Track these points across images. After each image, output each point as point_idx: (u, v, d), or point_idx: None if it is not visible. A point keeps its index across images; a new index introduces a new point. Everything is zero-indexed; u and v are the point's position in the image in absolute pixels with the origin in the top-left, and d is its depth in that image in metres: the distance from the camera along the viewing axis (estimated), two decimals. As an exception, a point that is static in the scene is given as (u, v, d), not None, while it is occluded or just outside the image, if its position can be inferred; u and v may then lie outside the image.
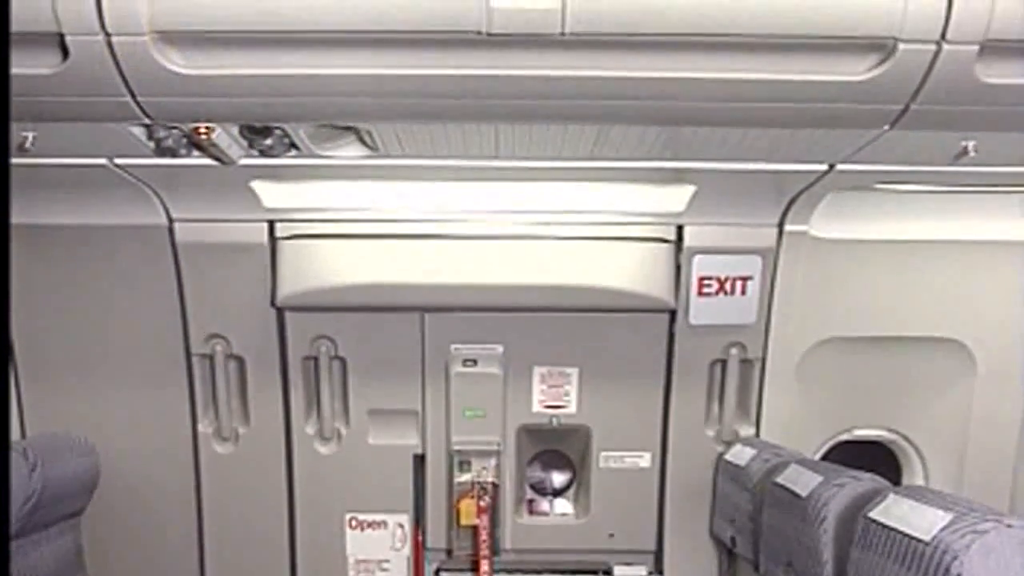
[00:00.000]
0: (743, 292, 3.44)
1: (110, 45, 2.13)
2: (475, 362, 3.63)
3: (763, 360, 3.61)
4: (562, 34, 2.08)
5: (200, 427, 3.66)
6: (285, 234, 3.34)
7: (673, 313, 3.51)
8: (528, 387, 3.69)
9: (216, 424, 3.66)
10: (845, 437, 3.81)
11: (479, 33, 2.08)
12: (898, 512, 2.29)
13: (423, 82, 2.22)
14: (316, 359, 3.60)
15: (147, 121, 2.46)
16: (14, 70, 2.18)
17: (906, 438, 3.79)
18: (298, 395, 3.65)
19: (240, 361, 3.59)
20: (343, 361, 3.63)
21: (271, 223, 3.32)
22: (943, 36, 2.12)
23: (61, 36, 2.12)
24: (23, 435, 3.62)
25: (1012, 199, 3.34)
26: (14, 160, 2.62)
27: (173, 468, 3.70)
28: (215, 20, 2.08)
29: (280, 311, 3.49)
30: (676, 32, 2.10)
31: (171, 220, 3.30)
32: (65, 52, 2.15)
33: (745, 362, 3.61)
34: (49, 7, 2.07)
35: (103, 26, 2.09)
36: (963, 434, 3.73)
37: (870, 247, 3.45)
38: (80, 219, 3.29)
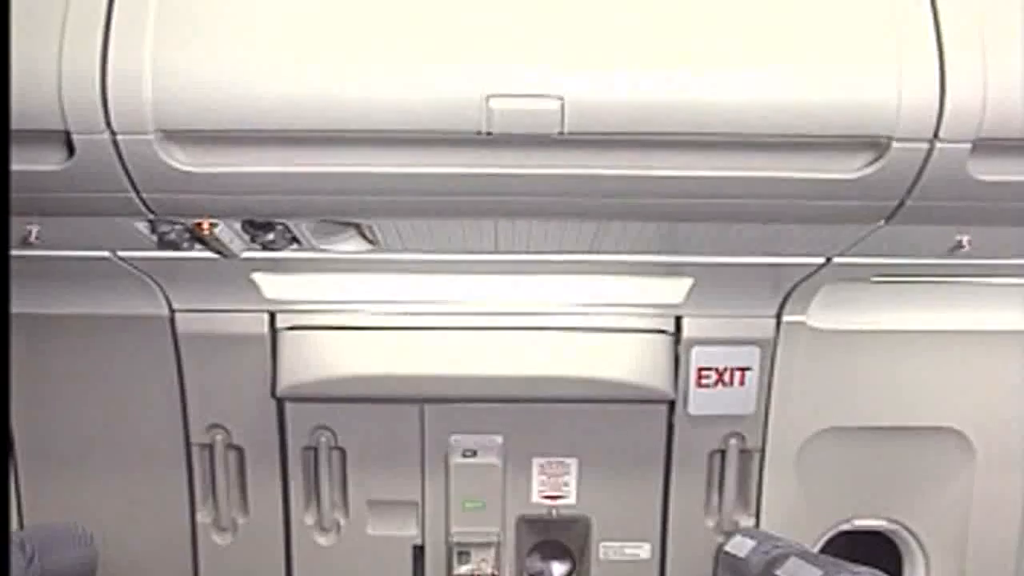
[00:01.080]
0: (742, 383, 3.44)
1: (115, 143, 2.16)
2: (475, 453, 3.62)
3: (762, 450, 3.60)
4: (560, 133, 2.11)
5: (199, 517, 3.64)
6: (286, 325, 3.35)
7: (672, 404, 3.50)
8: (527, 478, 3.67)
9: (215, 514, 3.64)
10: (846, 527, 3.79)
11: (479, 133, 2.11)
12: None
13: (424, 180, 2.25)
14: (316, 449, 3.59)
15: (151, 216, 2.49)
16: (21, 166, 2.21)
17: (907, 528, 3.77)
18: (297, 485, 3.63)
19: (240, 451, 3.58)
20: (343, 451, 3.62)
21: (272, 314, 3.33)
22: (936, 135, 2.16)
23: (68, 134, 2.15)
24: (21, 525, 3.60)
25: (1009, 289, 3.35)
26: (19, 252, 2.64)
27: (171, 558, 3.68)
28: (217, 120, 2.12)
29: (280, 401, 3.49)
30: (673, 131, 2.13)
31: (172, 310, 3.31)
32: (71, 149, 2.19)
33: (744, 452, 3.60)
34: (56, 106, 2.10)
35: (109, 125, 2.13)
36: (964, 524, 3.71)
37: (868, 337, 3.46)
38: (82, 309, 3.30)
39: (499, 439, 3.62)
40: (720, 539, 3.67)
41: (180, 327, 3.35)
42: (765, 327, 3.39)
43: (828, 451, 3.62)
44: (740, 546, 3.49)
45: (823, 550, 3.71)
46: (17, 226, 2.59)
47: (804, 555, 3.01)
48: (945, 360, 3.51)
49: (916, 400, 3.57)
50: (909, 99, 2.12)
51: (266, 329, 3.35)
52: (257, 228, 2.71)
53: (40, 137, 2.17)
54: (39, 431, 3.55)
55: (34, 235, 2.63)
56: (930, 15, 2.14)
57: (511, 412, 3.58)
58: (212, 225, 2.58)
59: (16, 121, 2.11)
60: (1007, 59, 2.14)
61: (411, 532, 3.72)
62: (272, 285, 3.19)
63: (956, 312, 3.41)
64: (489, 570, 3.69)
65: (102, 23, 2.10)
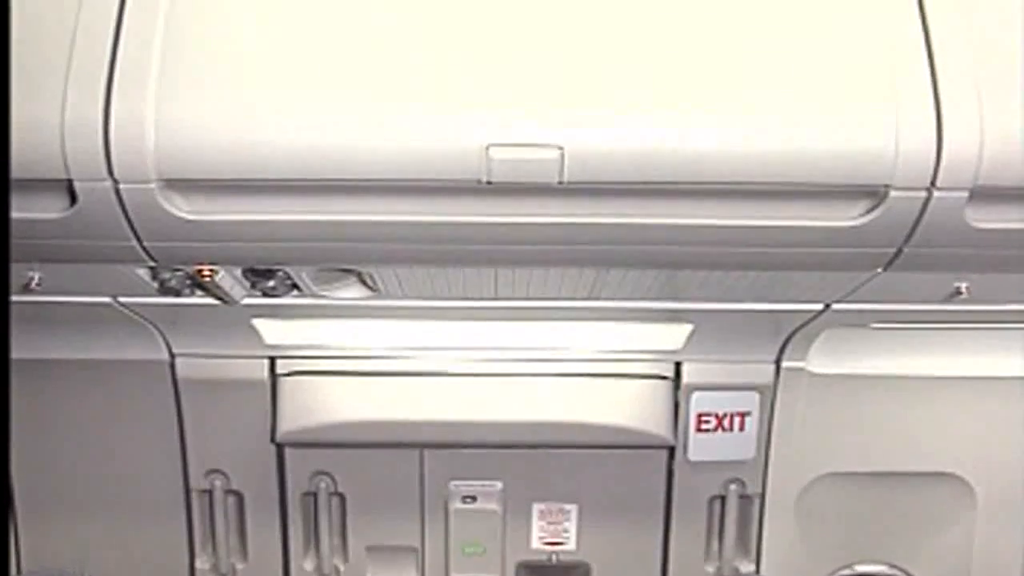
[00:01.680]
0: (742, 428, 3.44)
1: (117, 192, 2.16)
2: (474, 499, 3.61)
3: (762, 496, 3.59)
4: (560, 183, 2.12)
5: (197, 563, 3.63)
6: (285, 370, 3.35)
7: (672, 449, 3.49)
8: (527, 523, 3.66)
9: (214, 560, 3.63)
10: (847, 573, 3.78)
11: (479, 182, 2.12)
12: None
13: (424, 228, 2.26)
14: (315, 495, 3.58)
15: (152, 264, 2.50)
16: (24, 214, 2.22)
17: (908, 574, 3.75)
18: (297, 531, 3.62)
19: (239, 496, 3.57)
20: (342, 497, 3.61)
21: (272, 359, 3.33)
22: (933, 183, 2.17)
23: (70, 182, 2.16)
24: (19, 570, 3.59)
25: (1009, 334, 3.35)
26: (19, 298, 2.65)
27: None
28: (219, 169, 2.13)
29: (280, 447, 3.48)
30: (673, 180, 2.14)
31: (172, 355, 3.32)
32: (73, 198, 2.19)
33: (744, 498, 3.59)
34: (59, 154, 2.11)
35: (111, 173, 2.13)
36: (966, 569, 3.69)
37: (868, 382, 3.45)
38: (81, 354, 3.31)
39: (499, 485, 3.62)
40: (720, 584, 3.67)
41: (180, 372, 3.35)
42: (765, 372, 3.39)
43: (828, 496, 3.61)
44: (741, 592, 3.49)
45: (824, 596, 3.71)
46: (18, 272, 2.59)
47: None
48: (946, 405, 3.50)
49: (917, 445, 3.56)
50: (906, 148, 2.13)
51: (266, 374, 3.35)
52: (258, 275, 2.72)
53: (43, 186, 2.18)
54: (38, 475, 3.54)
55: (35, 281, 2.64)
56: (926, 64, 2.16)
57: (511, 458, 3.57)
58: (213, 272, 2.59)
59: (19, 170, 2.11)
60: (1003, 108, 2.15)
61: None
62: (272, 331, 3.20)
63: (956, 357, 3.41)
64: (489, 616, 3.69)
65: (105, 73, 2.11)
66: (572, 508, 3.65)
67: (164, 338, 3.25)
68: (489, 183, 2.12)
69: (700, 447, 3.46)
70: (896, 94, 2.14)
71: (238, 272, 2.69)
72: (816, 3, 2.23)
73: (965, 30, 2.20)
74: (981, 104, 2.14)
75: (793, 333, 3.22)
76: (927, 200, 2.20)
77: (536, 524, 3.66)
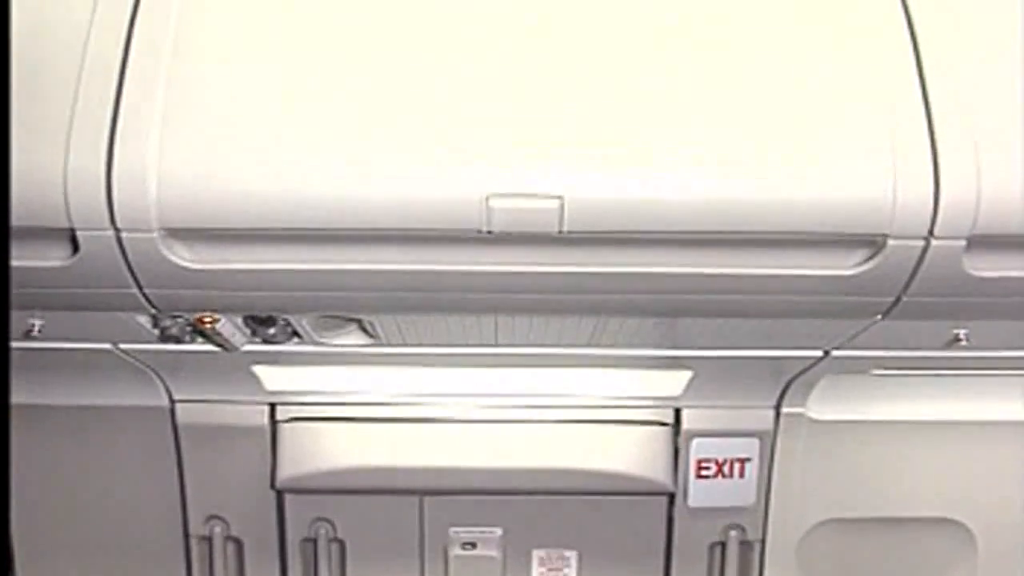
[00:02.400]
0: (742, 474, 3.44)
1: (119, 241, 2.17)
2: (474, 545, 3.60)
3: (763, 542, 3.58)
4: (560, 232, 2.13)
5: None
6: (286, 417, 3.35)
7: (671, 496, 3.49)
8: (527, 570, 3.65)
9: (213, 606, 3.62)
10: (848, 618, 3.77)
11: (479, 232, 2.13)
12: None
13: (425, 277, 2.26)
14: (315, 541, 3.57)
15: (153, 311, 2.50)
16: (26, 262, 2.23)
17: (910, 619, 3.75)
18: None
19: (238, 543, 3.56)
20: (342, 543, 3.60)
21: (272, 406, 3.33)
22: (931, 232, 2.17)
23: (72, 231, 2.17)
24: (17, 616, 3.58)
25: (1010, 380, 3.35)
26: (20, 344, 2.65)
27: None
28: (220, 218, 2.14)
29: (279, 493, 3.47)
30: (671, 230, 2.16)
31: (173, 401, 3.32)
32: (75, 246, 2.20)
33: (744, 544, 3.58)
34: (62, 203, 2.12)
35: (113, 222, 2.14)
36: (968, 615, 3.69)
37: (868, 428, 3.45)
38: (80, 400, 3.31)
39: (498, 531, 3.61)
40: (720, 633, 3.65)
41: (180, 418, 3.35)
42: (764, 418, 3.39)
43: (829, 543, 3.60)
44: (741, 640, 3.48)
45: (825, 644, 3.69)
46: (19, 319, 2.60)
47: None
48: (946, 451, 3.50)
49: (918, 491, 3.56)
50: (904, 197, 2.14)
51: (266, 421, 3.35)
52: (259, 323, 2.73)
53: (45, 234, 2.19)
54: (38, 521, 3.53)
55: (36, 328, 2.64)
56: (923, 113, 2.17)
57: (510, 504, 3.56)
58: (214, 320, 2.60)
59: (22, 218, 2.12)
60: (1000, 156, 2.16)
61: None
62: (273, 377, 3.20)
63: (957, 403, 3.41)
64: (488, 663, 3.67)
65: (108, 122, 2.13)
66: (572, 555, 3.64)
67: (164, 384, 3.25)
68: (489, 233, 2.13)
69: (700, 493, 3.46)
70: (893, 144, 2.15)
71: (239, 320, 2.70)
72: (812, 53, 2.24)
73: (961, 79, 2.21)
74: (978, 153, 2.15)
75: (793, 379, 3.22)
76: (925, 249, 2.21)
77: (536, 570, 3.65)
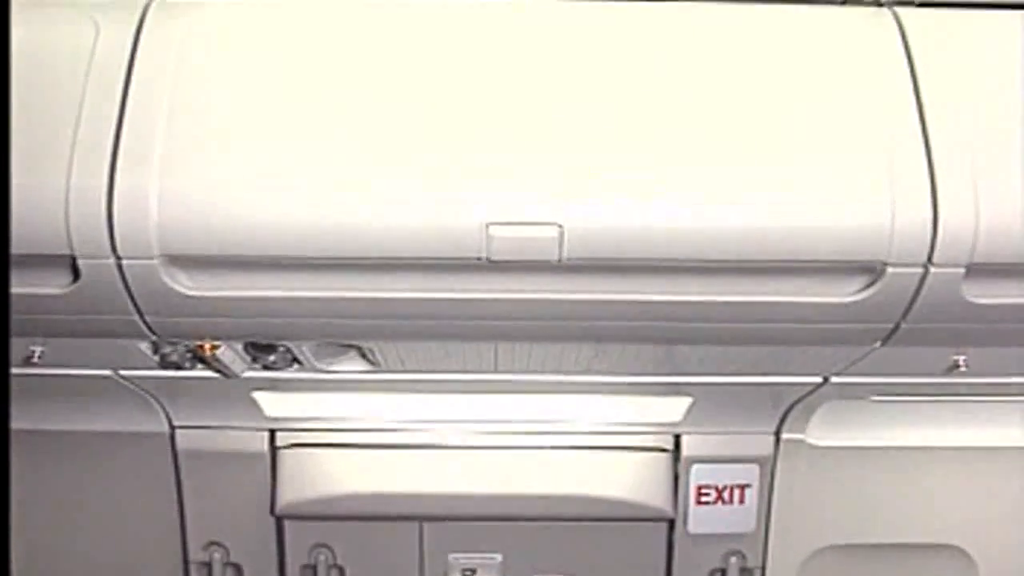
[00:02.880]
0: (742, 501, 3.43)
1: (120, 268, 2.18)
2: (473, 572, 3.59)
3: (763, 569, 3.57)
4: (559, 260, 2.14)
5: None
6: (285, 443, 3.35)
7: (671, 522, 3.48)
8: None
9: (213, 632, 3.61)
10: (849, 645, 3.75)
11: (479, 260, 2.14)
12: None
13: (424, 305, 2.27)
14: (315, 568, 3.56)
15: (153, 338, 2.51)
16: (26, 289, 2.24)
17: (911, 646, 3.74)
18: None
19: (238, 569, 3.55)
20: (341, 570, 3.58)
21: (272, 432, 3.33)
22: (930, 259, 2.19)
23: (73, 258, 2.18)
24: (15, 644, 3.57)
25: (1010, 406, 3.35)
26: (20, 370, 2.66)
27: None
28: (221, 245, 2.15)
29: (279, 519, 3.47)
30: (671, 258, 2.16)
31: (172, 427, 3.32)
32: (76, 273, 2.21)
33: (745, 571, 3.57)
34: (63, 231, 2.14)
35: (114, 250, 2.15)
36: (968, 642, 3.68)
37: (868, 454, 3.45)
38: (80, 425, 3.30)
39: (498, 557, 3.60)
40: (721, 661, 3.64)
41: (180, 444, 3.34)
42: (764, 444, 3.38)
43: (829, 569, 3.59)
44: (742, 667, 3.47)
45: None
46: (19, 345, 2.60)
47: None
48: (947, 477, 3.49)
49: (918, 517, 3.55)
50: (902, 225, 2.15)
51: (266, 447, 3.34)
52: (259, 349, 2.73)
53: (46, 261, 2.20)
54: (37, 546, 3.52)
55: (37, 355, 2.65)
56: (921, 142, 2.19)
57: (510, 530, 3.55)
58: (214, 347, 2.61)
59: (23, 245, 2.14)
60: (998, 184, 2.18)
61: None
62: (272, 403, 3.20)
63: (957, 429, 3.40)
64: None
65: (109, 150, 2.14)
66: (571, 581, 3.64)
67: (164, 410, 3.25)
68: (489, 260, 2.14)
69: (700, 520, 3.45)
70: (892, 172, 2.16)
71: (239, 346, 2.71)
72: (811, 81, 2.26)
73: (959, 107, 2.23)
74: (976, 181, 2.17)
75: (793, 405, 3.22)
76: (924, 276, 2.22)
77: (535, 597, 3.65)
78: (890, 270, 2.20)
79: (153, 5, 2.32)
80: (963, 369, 2.70)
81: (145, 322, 2.36)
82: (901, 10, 2.36)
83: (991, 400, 3.24)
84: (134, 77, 2.21)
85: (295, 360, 2.80)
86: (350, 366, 2.86)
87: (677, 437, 3.38)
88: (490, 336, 2.53)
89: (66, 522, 3.50)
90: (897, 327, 2.39)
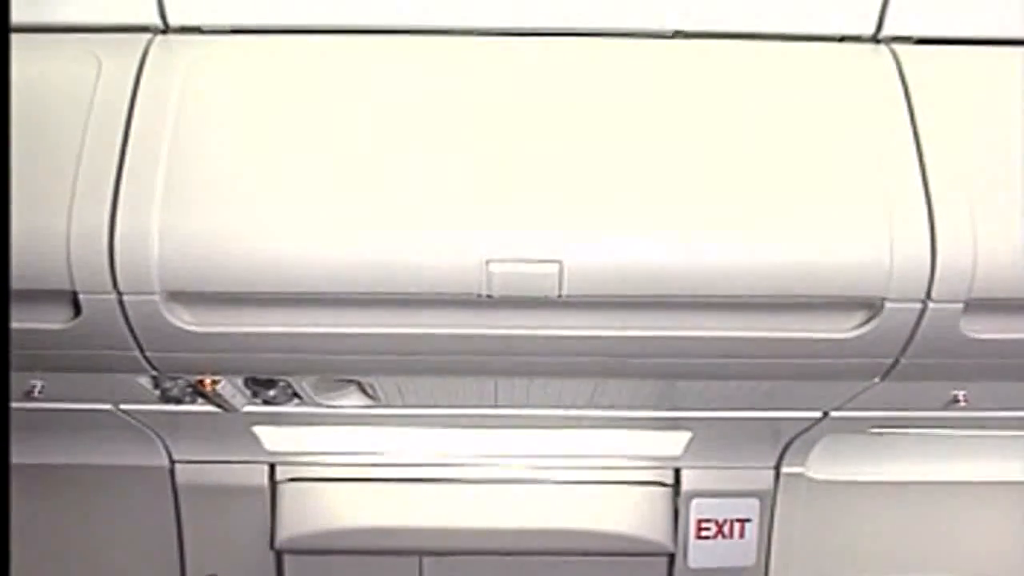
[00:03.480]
0: (742, 535, 3.43)
1: (121, 303, 2.18)
2: None
3: None
4: (559, 297, 2.15)
5: None
6: (285, 477, 3.35)
7: (672, 556, 3.48)
8: None
9: (211, 667, 3.60)
10: None
11: (479, 296, 2.14)
12: None
13: (424, 340, 2.27)
14: None
15: (154, 373, 2.51)
16: (28, 324, 2.24)
17: None
18: None
19: None
20: None
21: (272, 466, 3.33)
22: (928, 295, 2.18)
23: (75, 294, 2.18)
24: None
25: (1009, 440, 3.35)
26: (20, 404, 2.66)
27: None
28: (221, 281, 2.15)
29: (279, 553, 3.46)
30: (670, 294, 2.17)
31: (172, 461, 3.32)
32: (77, 309, 2.21)
33: (746, 605, 3.58)
34: (64, 266, 2.14)
35: (115, 285, 2.15)
36: (969, 676, 3.67)
37: (868, 488, 3.45)
38: (80, 459, 3.31)
39: None
40: None
41: (179, 478, 3.35)
42: (764, 479, 3.38)
43: (831, 603, 3.59)
44: None
45: None
46: (20, 380, 2.61)
47: None
48: (946, 511, 3.49)
49: (917, 551, 3.55)
50: (901, 261, 2.15)
51: (266, 481, 3.35)
52: (259, 384, 2.74)
53: (47, 296, 2.20)
54: None
55: (38, 389, 2.65)
56: (919, 178, 2.19)
57: (510, 565, 3.54)
58: (214, 382, 2.61)
59: (25, 281, 2.13)
60: (996, 220, 2.18)
61: None
62: (272, 437, 3.20)
63: (956, 463, 3.41)
64: None
65: (111, 186, 2.14)
66: (572, 615, 3.62)
67: (164, 444, 3.25)
68: (489, 297, 2.15)
69: (700, 554, 3.45)
70: (890, 208, 2.16)
71: (239, 381, 2.71)
72: (809, 118, 2.26)
73: (957, 143, 2.23)
74: (974, 217, 2.17)
75: (792, 439, 3.22)
76: (922, 312, 2.22)
77: (536, 631, 3.63)
78: (889, 306, 2.20)
79: (155, 42, 2.33)
80: (963, 403, 2.70)
81: (146, 357, 2.36)
82: (899, 47, 2.37)
83: (991, 434, 3.23)
84: (136, 113, 2.21)
85: (295, 395, 2.81)
86: (350, 401, 2.87)
87: (677, 471, 3.38)
88: (490, 372, 2.53)
89: (66, 555, 3.50)
90: (896, 362, 2.38)
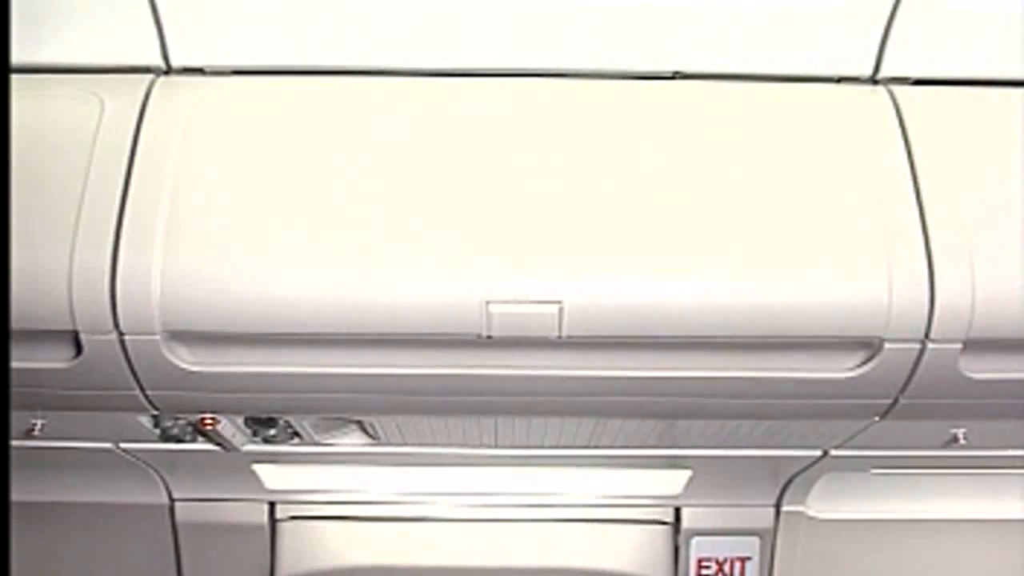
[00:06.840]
0: (742, 573, 3.42)
1: (122, 343, 2.19)
2: None
3: None
4: (559, 337, 2.15)
5: None
6: (285, 515, 3.34)
7: None
8: None
9: None
10: None
11: (479, 336, 2.15)
12: None
13: (424, 381, 2.27)
14: None
15: (155, 412, 2.52)
16: (29, 363, 2.24)
17: None
18: None
19: None
20: None
21: (272, 504, 3.33)
22: (927, 335, 2.19)
23: (76, 333, 2.19)
24: None
25: (1009, 478, 3.35)
26: (21, 443, 2.66)
27: None
28: (222, 322, 2.16)
29: None
30: (670, 334, 2.17)
31: (172, 499, 3.31)
32: (79, 348, 2.22)
33: (747, 644, 3.56)
34: (66, 306, 2.14)
35: (116, 325, 2.16)
36: None
37: (868, 526, 3.44)
38: (80, 497, 3.30)
39: None
40: None
41: (179, 516, 3.34)
42: (764, 517, 3.38)
43: (831, 642, 3.58)
44: None
45: None
46: (20, 418, 2.61)
47: None
48: (947, 549, 3.48)
49: None
50: (899, 302, 2.16)
51: (266, 519, 3.34)
52: (259, 423, 2.74)
53: (49, 336, 2.21)
54: None
55: (38, 428, 2.65)
56: (917, 218, 2.20)
57: None
58: (215, 421, 2.61)
59: (27, 321, 2.14)
60: (994, 261, 2.18)
61: None
62: (272, 476, 3.20)
63: (956, 501, 3.40)
64: None
65: (113, 226, 2.15)
66: (573, 656, 3.61)
67: (164, 482, 3.25)
68: (489, 337, 2.15)
69: (701, 593, 3.45)
70: (888, 248, 2.17)
71: (240, 421, 2.71)
72: (808, 159, 2.27)
73: (955, 184, 2.24)
74: (972, 257, 2.17)
75: (792, 478, 3.22)
76: (921, 352, 2.22)
77: (536, 671, 3.61)
78: (888, 346, 2.21)
79: (158, 83, 2.35)
80: (962, 442, 2.70)
81: (147, 397, 2.36)
82: (897, 88, 2.38)
83: (991, 472, 3.23)
84: (138, 153, 2.23)
85: (295, 434, 2.81)
86: (350, 440, 2.87)
87: (677, 510, 3.38)
88: (490, 411, 2.53)
89: None
90: (895, 402, 2.39)
